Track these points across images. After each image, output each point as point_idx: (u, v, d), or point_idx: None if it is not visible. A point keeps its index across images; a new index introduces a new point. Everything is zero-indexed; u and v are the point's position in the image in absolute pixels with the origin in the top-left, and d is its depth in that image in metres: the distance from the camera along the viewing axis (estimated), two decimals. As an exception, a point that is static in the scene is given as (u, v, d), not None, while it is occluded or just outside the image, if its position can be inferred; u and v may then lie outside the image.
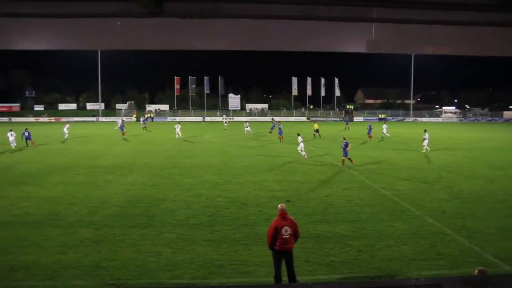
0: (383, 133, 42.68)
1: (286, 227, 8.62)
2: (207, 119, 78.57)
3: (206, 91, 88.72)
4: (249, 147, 34.44)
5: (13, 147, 32.36)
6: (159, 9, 4.21)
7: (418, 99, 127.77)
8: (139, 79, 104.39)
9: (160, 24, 4.58)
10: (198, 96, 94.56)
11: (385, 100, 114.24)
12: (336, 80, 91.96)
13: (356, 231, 12.79)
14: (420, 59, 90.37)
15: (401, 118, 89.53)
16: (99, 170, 23.31)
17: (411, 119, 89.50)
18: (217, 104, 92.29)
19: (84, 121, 77.36)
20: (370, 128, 41.20)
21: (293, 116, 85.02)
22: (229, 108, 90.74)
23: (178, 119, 79.42)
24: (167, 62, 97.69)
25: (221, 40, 5.26)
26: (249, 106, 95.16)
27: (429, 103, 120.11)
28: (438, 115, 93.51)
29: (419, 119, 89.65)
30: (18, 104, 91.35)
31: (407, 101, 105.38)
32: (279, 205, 9.05)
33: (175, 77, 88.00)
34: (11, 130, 33.38)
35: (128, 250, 11.29)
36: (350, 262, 10.36)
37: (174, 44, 5.08)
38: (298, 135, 29.37)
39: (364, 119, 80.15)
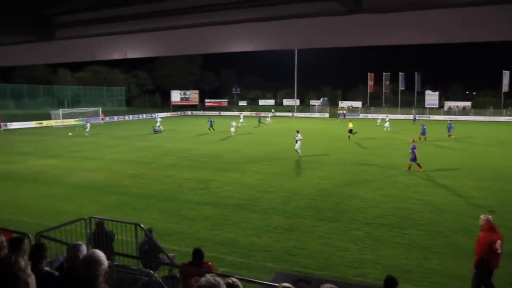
0: None
1: (499, 241, 7.58)
2: (406, 117, 74.72)
3: (401, 87, 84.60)
4: (444, 147, 31.59)
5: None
6: (358, 5, 4.22)
7: None
8: (332, 76, 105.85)
9: (357, 20, 4.57)
10: (392, 93, 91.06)
11: None
12: None
13: None
14: None
15: None
16: (292, 162, 24.66)
17: None
18: (412, 101, 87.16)
19: (281, 116, 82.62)
20: None
21: (502, 116, 73.93)
22: (426, 106, 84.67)
23: (371, 116, 77.89)
24: (361, 59, 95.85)
25: (420, 34, 4.95)
26: (448, 104, 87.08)
27: None
28: None
29: None
30: (226, 100, 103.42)
31: None
32: (483, 216, 7.92)
33: (368, 73, 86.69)
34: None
35: (316, 241, 11.70)
36: None
37: (371, 40, 5.00)
38: (297, 132, 27.14)
39: None
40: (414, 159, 21.63)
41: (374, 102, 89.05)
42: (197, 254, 6.88)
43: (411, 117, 64.75)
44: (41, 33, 6.53)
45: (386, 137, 39.50)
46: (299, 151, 26.29)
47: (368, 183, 18.97)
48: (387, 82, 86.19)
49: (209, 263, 7.03)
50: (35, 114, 64.02)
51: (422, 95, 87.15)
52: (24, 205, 15.95)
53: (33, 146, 34.92)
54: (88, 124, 49.16)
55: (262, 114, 79.02)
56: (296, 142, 26.50)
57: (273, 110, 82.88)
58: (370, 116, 78.32)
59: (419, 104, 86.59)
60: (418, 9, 4.28)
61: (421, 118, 63.48)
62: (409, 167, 21.75)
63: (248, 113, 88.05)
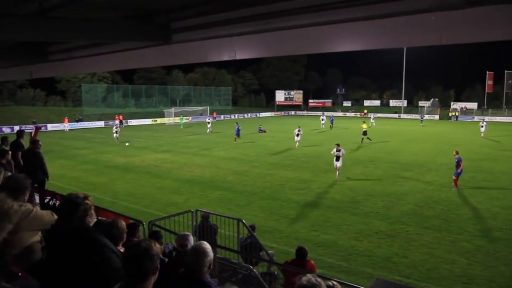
0: None
1: None
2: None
3: (527, 87, 76.08)
4: None
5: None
6: (478, -3, 3.88)
7: None
8: (444, 76, 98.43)
9: (478, 13, 4.19)
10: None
11: None
12: None
13: None
14: None
15: None
16: (397, 166, 23.57)
17: None
18: (540, 102, 77.75)
19: (386, 117, 79.38)
20: None
21: None
22: None
23: (488, 118, 71.38)
24: (478, 56, 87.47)
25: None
26: None
27: None
28: None
29: None
30: (330, 100, 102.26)
31: None
32: None
33: (487, 72, 79.30)
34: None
35: (419, 250, 11.08)
36: None
37: (494, 35, 4.55)
38: (338, 145, 20.72)
39: None
40: (457, 173, 18.07)
41: (492, 103, 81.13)
42: (301, 252, 7.09)
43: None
44: (161, 38, 7.09)
45: (486, 145, 35.89)
46: (339, 170, 20.55)
47: (482, 192, 17.40)
48: (510, 81, 78.00)
49: (312, 262, 7.15)
50: (150, 112, 69.93)
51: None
52: (140, 194, 17.45)
53: (148, 141, 38.05)
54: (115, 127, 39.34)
55: (336, 114, 76.61)
56: (337, 160, 20.41)
57: (365, 111, 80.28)
58: (487, 118, 71.49)
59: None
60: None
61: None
62: (455, 182, 18.17)
63: (352, 114, 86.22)
